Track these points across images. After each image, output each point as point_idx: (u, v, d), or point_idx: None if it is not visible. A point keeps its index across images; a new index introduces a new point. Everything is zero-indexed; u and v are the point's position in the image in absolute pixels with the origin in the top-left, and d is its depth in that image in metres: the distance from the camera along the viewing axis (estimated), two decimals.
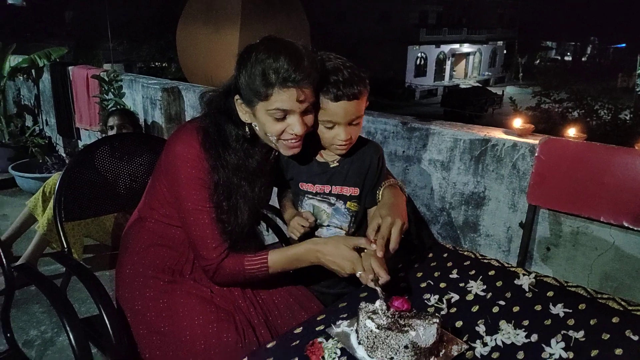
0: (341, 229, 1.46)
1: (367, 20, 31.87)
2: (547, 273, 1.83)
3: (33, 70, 4.77)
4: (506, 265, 1.43)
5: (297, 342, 1.09)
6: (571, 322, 1.15)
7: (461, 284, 1.32)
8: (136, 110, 3.50)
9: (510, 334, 1.10)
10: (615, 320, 1.15)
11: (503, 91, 27.74)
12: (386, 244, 1.22)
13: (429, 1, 34.40)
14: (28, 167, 4.07)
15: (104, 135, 2.99)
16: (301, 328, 1.14)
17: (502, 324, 1.14)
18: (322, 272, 1.31)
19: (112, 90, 3.68)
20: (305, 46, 1.23)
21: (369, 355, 1.01)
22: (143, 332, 1.31)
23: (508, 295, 1.27)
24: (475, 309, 1.22)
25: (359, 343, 1.04)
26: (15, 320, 2.32)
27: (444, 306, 1.22)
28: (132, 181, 1.87)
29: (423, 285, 1.33)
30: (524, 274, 1.35)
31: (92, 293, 1.30)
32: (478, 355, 1.04)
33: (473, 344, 1.07)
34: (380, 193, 1.41)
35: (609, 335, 1.09)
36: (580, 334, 1.10)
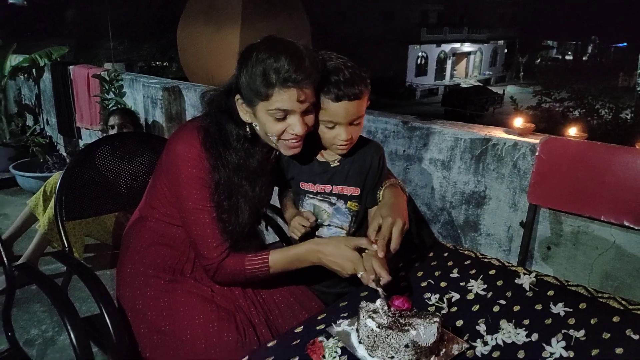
0: (342, 228, 1.46)
1: (367, 20, 31.86)
2: (548, 272, 1.83)
3: (34, 70, 4.77)
4: (507, 264, 1.43)
5: (298, 341, 1.09)
6: (572, 321, 1.15)
7: (462, 283, 1.33)
8: (137, 109, 3.50)
9: (510, 333, 1.10)
10: (615, 319, 1.15)
11: (504, 90, 27.75)
12: (387, 244, 1.22)
13: (429, 0, 34.39)
14: (29, 166, 4.08)
15: (104, 134, 3.00)
16: (302, 327, 1.15)
17: (503, 323, 1.14)
18: (323, 272, 1.31)
19: (113, 89, 3.69)
20: (306, 46, 1.23)
21: (370, 354, 1.01)
22: (144, 331, 1.32)
23: (509, 294, 1.27)
24: (475, 308, 1.22)
25: (360, 342, 1.04)
26: (17, 319, 2.32)
27: (444, 305, 1.22)
28: (132, 180, 1.87)
29: (424, 284, 1.33)
30: (524, 273, 1.35)
31: (93, 292, 1.30)
32: (478, 354, 1.04)
33: (474, 343, 1.07)
34: (381, 193, 1.41)
35: (609, 335, 1.09)
36: (580, 333, 1.10)
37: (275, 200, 1.58)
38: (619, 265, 1.74)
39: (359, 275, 1.21)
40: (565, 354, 1.03)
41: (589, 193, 1.70)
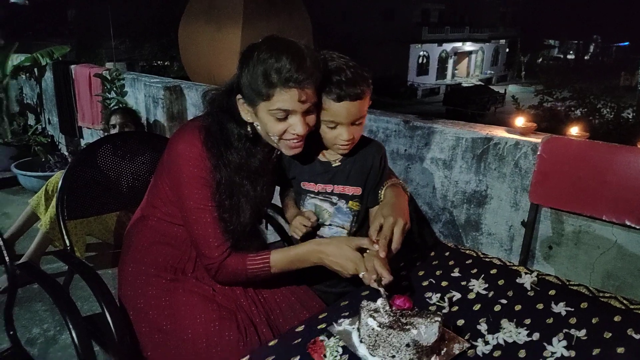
0: (343, 228, 1.46)
1: (369, 19, 31.82)
2: (549, 272, 1.83)
3: (36, 69, 4.78)
4: (508, 263, 1.43)
5: (299, 340, 1.09)
6: (573, 320, 1.15)
7: (463, 283, 1.33)
8: (138, 108, 3.51)
9: (512, 333, 1.10)
10: (617, 319, 1.15)
11: (505, 90, 27.72)
12: (388, 244, 1.22)
13: None
14: (31, 165, 4.08)
15: (106, 133, 3.00)
16: (303, 326, 1.15)
17: (504, 322, 1.14)
18: (324, 271, 1.31)
19: (115, 88, 3.69)
20: (307, 46, 1.23)
21: (371, 354, 1.01)
22: (145, 330, 1.32)
23: (510, 293, 1.27)
24: (477, 307, 1.22)
25: (361, 341, 1.04)
26: (18, 318, 2.33)
27: (445, 305, 1.22)
28: (134, 180, 1.87)
29: (425, 283, 1.33)
30: (525, 273, 1.35)
31: (95, 291, 1.30)
32: (480, 353, 1.04)
33: (475, 343, 1.07)
34: (383, 193, 1.41)
35: (610, 334, 1.09)
36: (582, 333, 1.10)
37: (276, 200, 1.58)
38: (620, 265, 1.73)
39: (360, 275, 1.21)
40: (566, 353, 1.03)
41: (590, 192, 1.69)
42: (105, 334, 1.38)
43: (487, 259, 1.46)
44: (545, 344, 1.06)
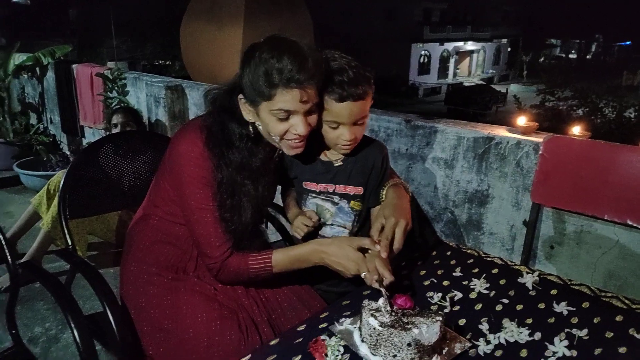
0: (344, 227, 1.46)
1: (370, 18, 31.79)
2: (551, 271, 1.82)
3: (37, 69, 4.79)
4: (510, 263, 1.43)
5: (300, 339, 1.09)
6: (575, 320, 1.15)
7: (464, 282, 1.32)
8: (140, 108, 3.51)
9: (513, 332, 1.10)
10: (619, 318, 1.15)
11: (507, 89, 27.67)
12: (390, 244, 1.22)
13: None
14: (32, 164, 4.09)
15: (107, 133, 3.00)
16: (304, 326, 1.15)
17: (506, 322, 1.14)
18: (326, 271, 1.31)
19: (116, 88, 3.69)
20: (309, 45, 1.22)
21: (372, 353, 1.01)
22: (147, 329, 1.32)
23: (511, 293, 1.27)
24: (478, 307, 1.22)
25: (362, 341, 1.04)
26: (20, 317, 2.33)
27: (447, 304, 1.22)
28: (136, 179, 1.87)
29: (426, 283, 1.33)
30: (527, 272, 1.35)
31: (97, 290, 1.31)
32: (481, 353, 1.04)
33: (476, 342, 1.07)
34: (384, 193, 1.41)
35: (612, 334, 1.09)
36: (583, 332, 1.09)
37: (278, 200, 1.58)
38: (622, 264, 1.73)
39: (362, 275, 1.21)
40: (568, 353, 1.03)
41: (592, 192, 1.69)
42: (107, 333, 1.38)
43: (488, 259, 1.46)
44: (546, 343, 1.06)
